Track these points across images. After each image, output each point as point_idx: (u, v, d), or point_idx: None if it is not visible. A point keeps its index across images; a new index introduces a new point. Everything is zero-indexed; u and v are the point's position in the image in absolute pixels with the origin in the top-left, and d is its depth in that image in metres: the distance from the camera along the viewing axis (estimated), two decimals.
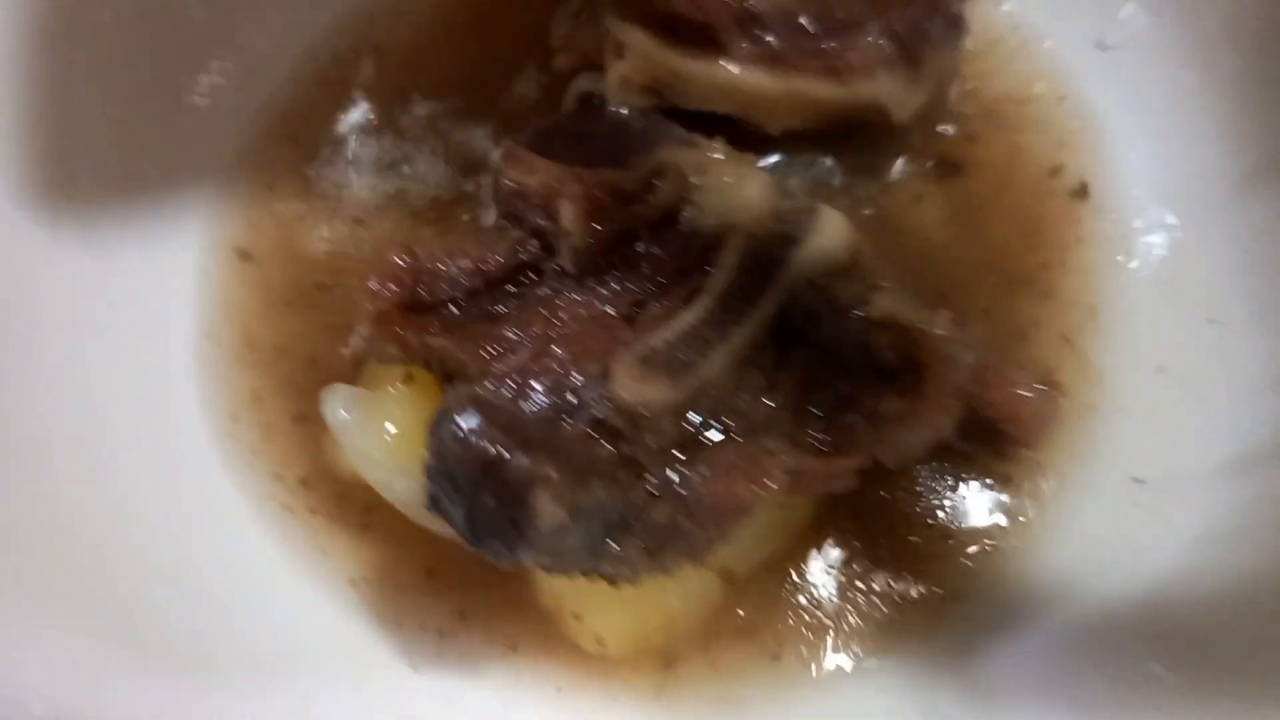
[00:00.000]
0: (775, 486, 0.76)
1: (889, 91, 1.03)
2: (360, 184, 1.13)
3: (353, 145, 1.15)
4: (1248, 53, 1.02)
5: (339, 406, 0.94)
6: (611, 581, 0.78)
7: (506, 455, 0.69)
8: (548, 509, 0.68)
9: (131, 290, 1.04)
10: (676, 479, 0.77)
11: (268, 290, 1.09)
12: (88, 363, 0.98)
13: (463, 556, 0.92)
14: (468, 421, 0.70)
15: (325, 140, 1.15)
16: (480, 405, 0.73)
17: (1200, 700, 0.78)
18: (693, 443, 0.80)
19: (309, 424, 1.04)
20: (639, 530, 0.75)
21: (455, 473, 0.70)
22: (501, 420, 0.72)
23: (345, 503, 1.01)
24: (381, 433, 0.92)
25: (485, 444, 0.69)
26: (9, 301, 0.94)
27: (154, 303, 1.05)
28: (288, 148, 1.14)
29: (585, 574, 0.77)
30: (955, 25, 1.06)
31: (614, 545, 0.74)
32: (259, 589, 0.97)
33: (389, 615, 1.00)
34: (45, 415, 0.92)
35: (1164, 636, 0.84)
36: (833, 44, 1.00)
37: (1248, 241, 1.00)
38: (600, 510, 0.72)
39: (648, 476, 0.77)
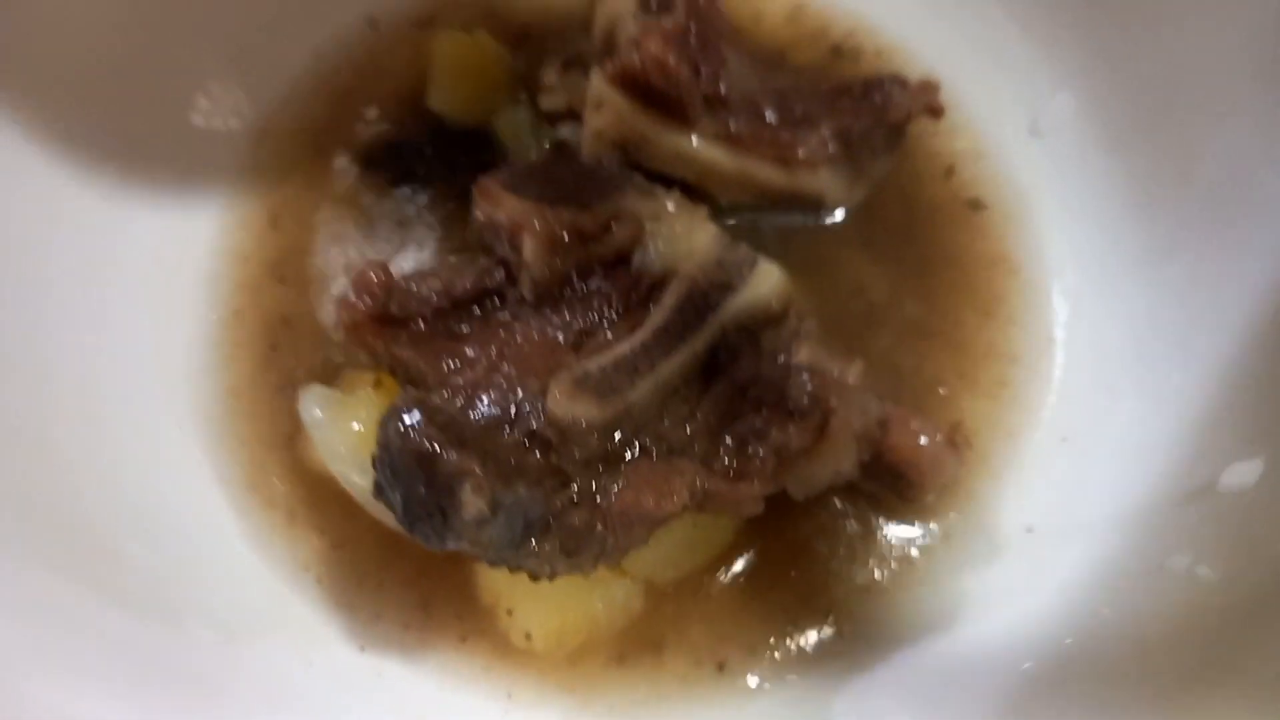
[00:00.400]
0: (679, 500, 0.86)
1: (828, 187, 1.16)
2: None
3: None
4: (1157, 145, 1.13)
5: (314, 405, 1.04)
6: (532, 576, 0.88)
7: (439, 450, 0.79)
8: (471, 500, 0.78)
9: (139, 260, 1.16)
10: (595, 489, 0.88)
11: (268, 270, 1.21)
12: (93, 316, 1.10)
13: (424, 553, 1.02)
14: (410, 418, 0.81)
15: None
16: (424, 406, 0.83)
17: None
18: (614, 458, 0.90)
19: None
20: (557, 531, 0.85)
21: (395, 462, 0.81)
22: (441, 420, 0.83)
23: (318, 496, 1.11)
24: (349, 431, 1.02)
25: (422, 439, 0.80)
26: (28, 243, 1.06)
27: (159, 276, 1.17)
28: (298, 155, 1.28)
29: (509, 567, 0.86)
30: (896, 136, 1.19)
31: (533, 543, 0.84)
32: (228, 558, 1.06)
33: (344, 601, 1.09)
34: (47, 358, 1.04)
35: (1030, 671, 0.93)
36: (786, 135, 1.12)
37: (1141, 317, 1.10)
38: (521, 508, 0.82)
39: (571, 485, 0.88)
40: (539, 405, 0.91)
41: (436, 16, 1.34)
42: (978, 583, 1.04)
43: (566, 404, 0.89)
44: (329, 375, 1.13)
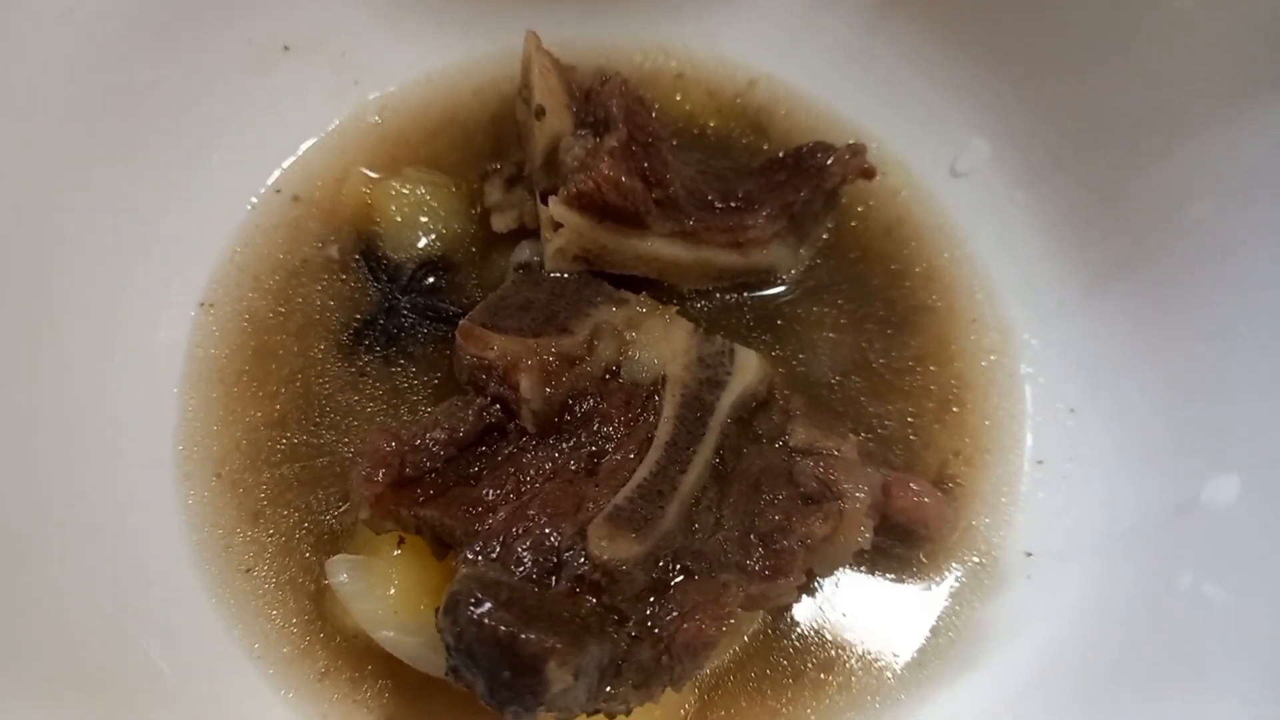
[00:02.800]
0: (735, 618, 0.92)
1: (778, 258, 1.24)
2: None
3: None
4: (1073, 182, 1.23)
5: (342, 572, 1.06)
6: (610, 716, 0.92)
7: (517, 633, 0.82)
8: (557, 675, 0.82)
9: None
10: (650, 621, 0.92)
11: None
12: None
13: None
14: (479, 607, 0.83)
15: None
16: (485, 587, 0.86)
17: None
18: (661, 586, 0.95)
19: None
20: (627, 671, 0.90)
21: (474, 650, 0.83)
22: (504, 597, 0.86)
23: (356, 654, 1.12)
24: (385, 597, 1.04)
25: (497, 625, 0.83)
26: None
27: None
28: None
29: (587, 714, 0.90)
30: (832, 201, 1.26)
31: (609, 688, 0.89)
32: None
33: None
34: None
35: (1058, 690, 1.03)
36: (735, 220, 1.18)
37: (1094, 342, 1.20)
38: (597, 663, 0.86)
39: (629, 621, 0.92)
40: (579, 549, 0.94)
41: (349, 170, 1.35)
42: (992, 614, 1.12)
43: (609, 546, 0.93)
44: (338, 539, 1.15)
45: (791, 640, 1.13)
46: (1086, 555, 1.10)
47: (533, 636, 0.82)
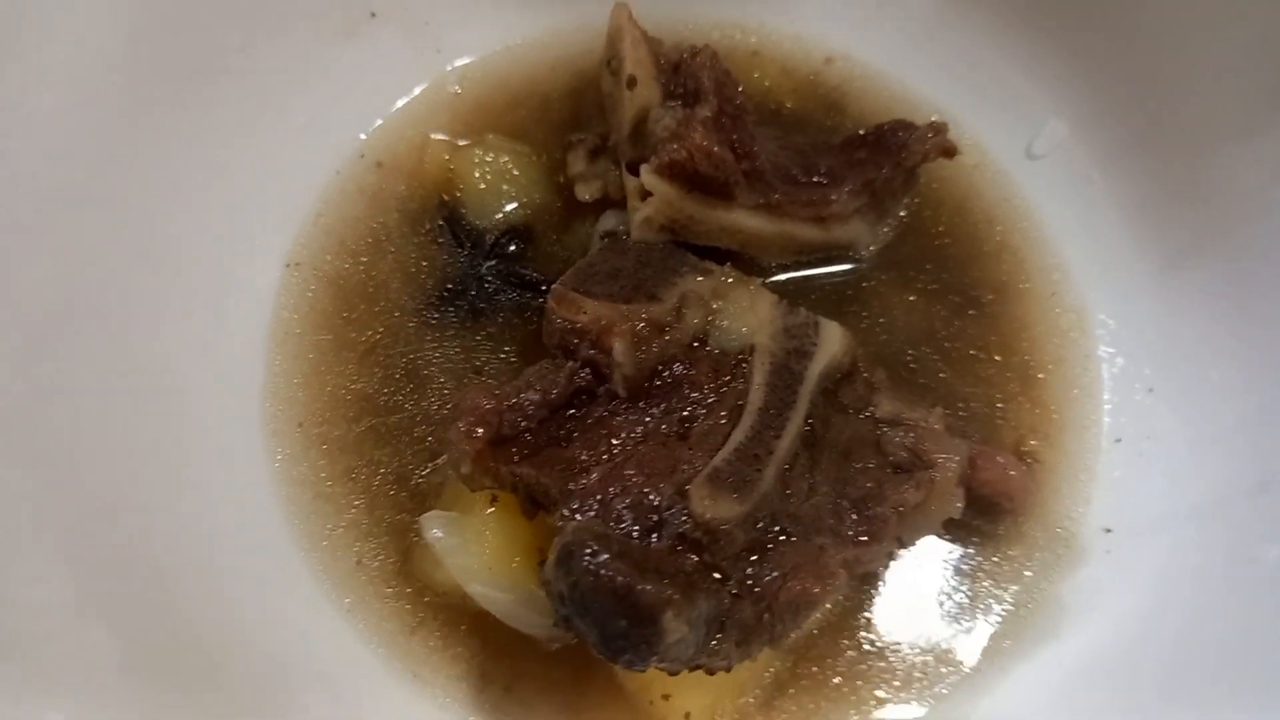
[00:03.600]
0: (839, 579, 0.93)
1: (859, 234, 1.25)
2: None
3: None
4: (1152, 161, 1.24)
5: (436, 529, 1.08)
6: (710, 672, 0.94)
7: (634, 583, 0.84)
8: (673, 626, 0.83)
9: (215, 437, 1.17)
10: (751, 580, 0.94)
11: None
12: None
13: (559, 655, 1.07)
14: (596, 557, 0.85)
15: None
16: (598, 538, 0.88)
17: None
18: (760, 547, 0.96)
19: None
20: (730, 628, 0.91)
21: (589, 600, 0.85)
22: (616, 549, 0.87)
23: (445, 612, 1.14)
24: (479, 553, 1.06)
25: (614, 575, 0.84)
26: None
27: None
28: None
29: (689, 669, 0.92)
30: (912, 179, 1.28)
31: (714, 643, 0.90)
32: (375, 694, 1.09)
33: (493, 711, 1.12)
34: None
35: (1138, 665, 1.04)
36: (818, 195, 1.20)
37: (1171, 320, 1.21)
38: (705, 617, 0.88)
39: (730, 580, 0.93)
40: (680, 508, 0.96)
41: (430, 137, 1.37)
42: (1070, 589, 1.13)
43: (712, 505, 0.95)
44: (425, 497, 1.17)
45: (874, 608, 1.14)
46: (1166, 531, 1.11)
47: (650, 587, 0.84)
